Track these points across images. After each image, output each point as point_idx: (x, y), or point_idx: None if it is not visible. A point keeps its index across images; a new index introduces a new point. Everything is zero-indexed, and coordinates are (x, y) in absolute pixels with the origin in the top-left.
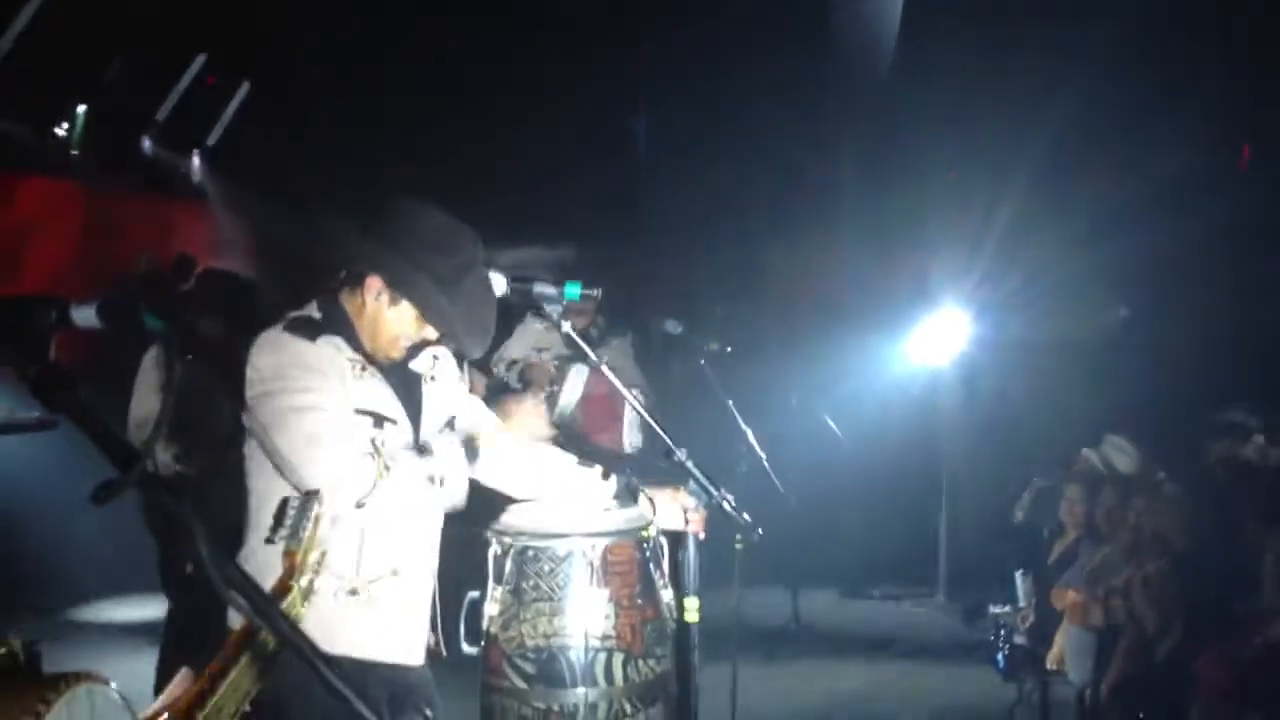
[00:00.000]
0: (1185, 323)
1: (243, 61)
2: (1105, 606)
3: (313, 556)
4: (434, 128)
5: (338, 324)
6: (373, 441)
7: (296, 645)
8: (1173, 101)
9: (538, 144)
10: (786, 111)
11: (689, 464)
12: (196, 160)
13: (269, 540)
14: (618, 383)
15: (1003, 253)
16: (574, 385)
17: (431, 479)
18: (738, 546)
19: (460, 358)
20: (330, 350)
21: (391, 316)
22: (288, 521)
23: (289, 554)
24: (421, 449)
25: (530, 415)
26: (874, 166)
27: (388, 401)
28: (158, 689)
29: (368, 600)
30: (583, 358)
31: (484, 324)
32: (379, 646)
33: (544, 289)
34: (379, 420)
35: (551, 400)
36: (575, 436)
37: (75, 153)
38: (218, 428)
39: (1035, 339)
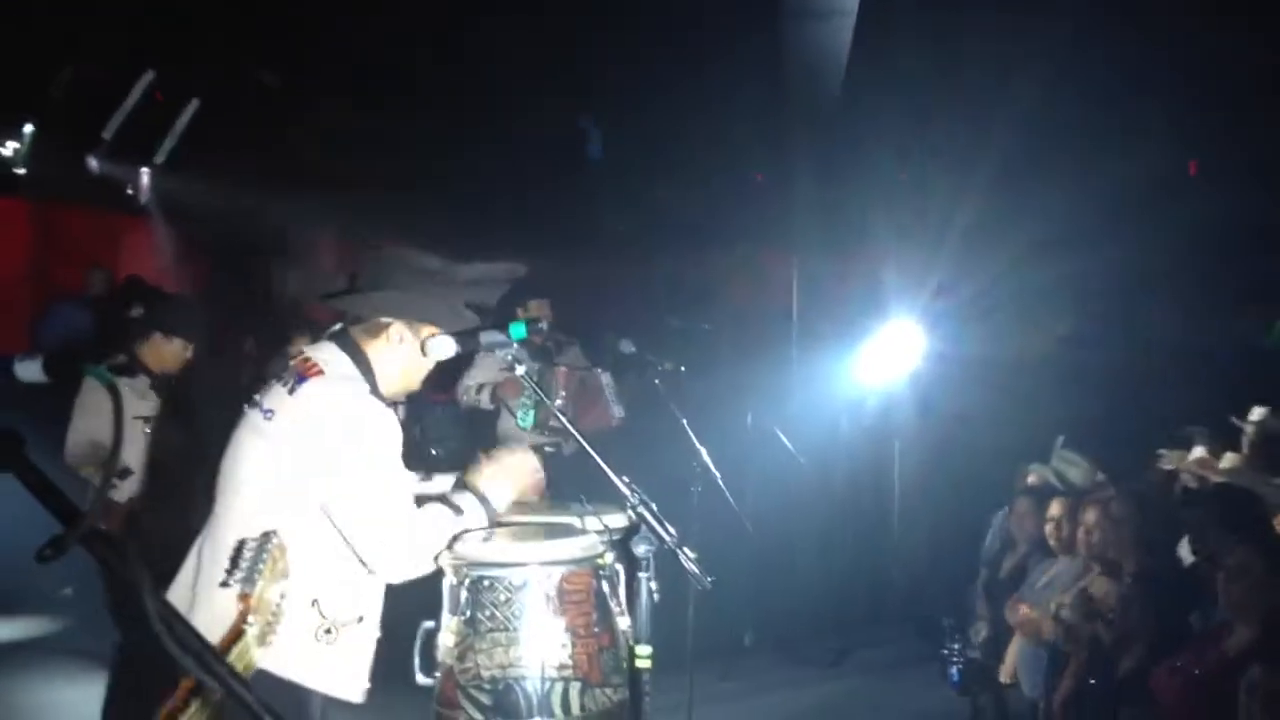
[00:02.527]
0: (1138, 335)
1: (192, 78)
2: (1057, 621)
3: (269, 596)
4: (383, 143)
5: (374, 388)
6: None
7: (243, 700)
8: (1124, 112)
9: (488, 158)
10: (738, 121)
11: (642, 509)
12: (145, 177)
13: (223, 584)
14: (576, 435)
15: (956, 265)
16: (560, 384)
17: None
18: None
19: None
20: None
21: (414, 353)
22: (243, 564)
23: (243, 598)
24: (455, 509)
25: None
26: (827, 177)
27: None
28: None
29: (334, 640)
30: (550, 364)
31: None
32: (333, 683)
33: (491, 337)
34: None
35: (541, 407)
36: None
37: (22, 170)
38: (164, 461)
39: (989, 353)
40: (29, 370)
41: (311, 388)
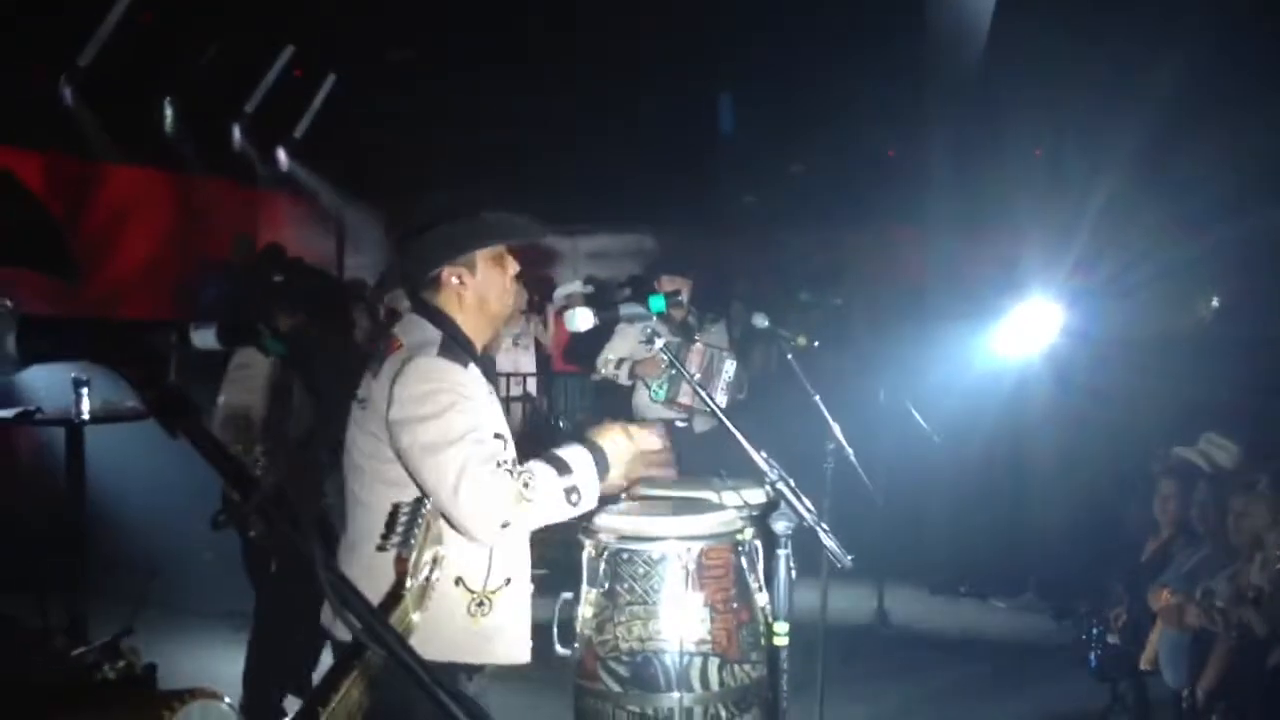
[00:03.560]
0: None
1: (328, 53)
2: (1202, 609)
3: (425, 557)
4: (516, 114)
5: (462, 343)
6: (499, 462)
7: (406, 664)
8: (1271, 86)
9: (619, 129)
10: (874, 94)
11: (781, 485)
12: (283, 151)
13: (380, 548)
14: (715, 409)
15: (1095, 241)
16: (694, 362)
17: (568, 493)
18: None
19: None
20: (477, 376)
21: (496, 277)
22: (399, 528)
23: (400, 560)
24: (558, 464)
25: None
26: (963, 151)
27: (501, 418)
28: (247, 679)
29: (489, 610)
30: (689, 341)
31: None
32: (499, 651)
33: (630, 309)
34: (503, 441)
35: (675, 381)
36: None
37: (166, 142)
38: (298, 427)
39: (1128, 331)
40: (204, 338)
41: (389, 365)
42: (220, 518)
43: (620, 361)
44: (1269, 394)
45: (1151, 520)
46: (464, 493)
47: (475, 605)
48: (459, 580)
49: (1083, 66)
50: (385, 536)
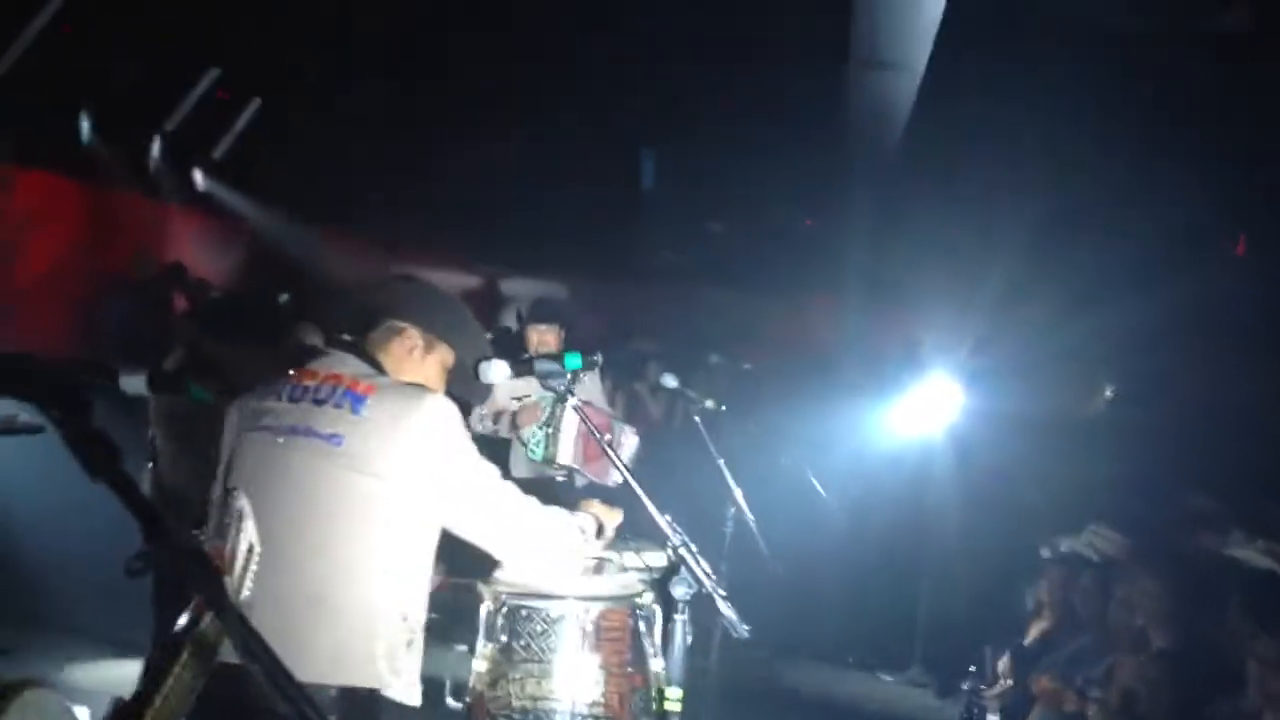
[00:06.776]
0: (1173, 403)
1: (255, 78)
2: (1080, 695)
3: (241, 549)
4: (437, 154)
5: None
6: None
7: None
8: (1172, 179)
9: (540, 175)
10: (793, 165)
11: (683, 551)
12: (200, 172)
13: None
14: (622, 469)
15: (995, 321)
16: (570, 424)
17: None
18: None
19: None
20: None
21: (423, 366)
22: (211, 521)
23: (215, 550)
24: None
25: None
26: (874, 230)
27: None
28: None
29: (413, 650)
30: (563, 398)
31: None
32: (413, 691)
33: (545, 365)
34: None
35: (552, 439)
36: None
37: (83, 152)
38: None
39: (1025, 412)
40: (134, 384)
41: (385, 402)
42: (136, 564)
43: (499, 415)
44: (1156, 481)
45: (1038, 603)
46: (530, 523)
47: (407, 645)
48: (405, 617)
49: (993, 151)
50: (201, 529)
